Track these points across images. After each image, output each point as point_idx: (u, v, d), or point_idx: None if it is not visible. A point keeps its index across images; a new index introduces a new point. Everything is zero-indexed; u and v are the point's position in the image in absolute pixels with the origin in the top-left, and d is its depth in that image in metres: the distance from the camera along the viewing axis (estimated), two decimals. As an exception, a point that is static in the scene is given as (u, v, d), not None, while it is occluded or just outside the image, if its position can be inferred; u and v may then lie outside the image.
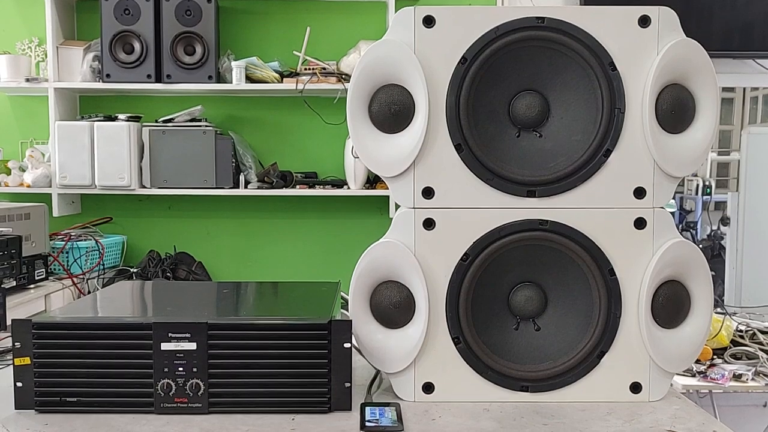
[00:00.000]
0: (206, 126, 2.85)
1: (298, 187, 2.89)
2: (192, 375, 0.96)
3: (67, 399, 0.97)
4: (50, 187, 2.83)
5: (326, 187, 2.92)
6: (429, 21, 1.01)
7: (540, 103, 1.04)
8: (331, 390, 0.97)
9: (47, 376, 0.97)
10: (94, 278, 2.71)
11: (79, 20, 3.05)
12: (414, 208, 1.03)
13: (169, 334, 0.97)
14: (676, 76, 1.02)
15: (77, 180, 2.77)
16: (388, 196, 2.93)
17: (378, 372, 1.13)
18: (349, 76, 1.00)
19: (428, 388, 1.04)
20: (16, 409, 0.97)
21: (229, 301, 1.24)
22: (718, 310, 2.41)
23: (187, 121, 2.85)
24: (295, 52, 2.90)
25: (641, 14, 1.01)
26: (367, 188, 2.88)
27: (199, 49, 2.77)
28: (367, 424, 0.93)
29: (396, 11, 1.06)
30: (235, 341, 0.97)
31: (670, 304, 1.04)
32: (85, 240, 2.77)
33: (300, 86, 2.80)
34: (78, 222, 2.99)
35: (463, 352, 1.04)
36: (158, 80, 2.78)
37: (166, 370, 0.96)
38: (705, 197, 4.64)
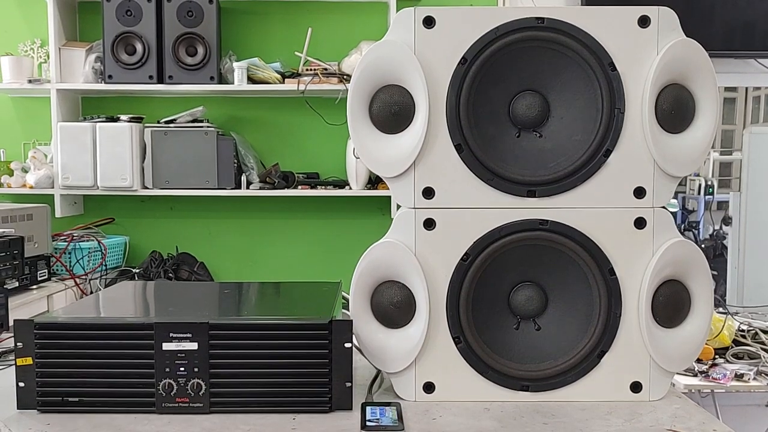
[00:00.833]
0: (208, 127, 2.85)
1: (299, 187, 2.89)
2: (193, 375, 0.97)
3: (69, 399, 0.97)
4: (53, 188, 2.84)
5: (328, 187, 2.92)
6: (429, 21, 1.01)
7: (540, 104, 1.04)
8: (332, 390, 0.98)
9: (49, 376, 0.97)
10: (96, 279, 2.72)
11: (81, 21, 3.06)
12: (414, 208, 1.03)
13: (171, 334, 0.97)
14: (675, 76, 1.02)
15: (79, 181, 2.77)
16: (389, 197, 2.93)
17: (379, 372, 1.13)
18: (351, 77, 1.01)
19: (429, 387, 1.05)
20: (18, 409, 0.98)
21: (231, 301, 1.24)
22: (720, 309, 2.40)
23: (188, 121, 2.86)
24: (296, 53, 2.90)
25: (641, 14, 1.01)
26: (369, 189, 2.89)
27: (200, 50, 2.78)
28: (368, 423, 0.93)
29: (397, 12, 1.06)
30: (237, 341, 0.97)
31: (670, 304, 1.04)
32: (87, 241, 2.78)
33: (301, 87, 2.80)
34: (80, 223, 3.00)
35: (463, 351, 1.04)
36: (160, 81, 2.79)
37: (167, 370, 0.97)
38: (707, 197, 4.64)
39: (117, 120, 2.82)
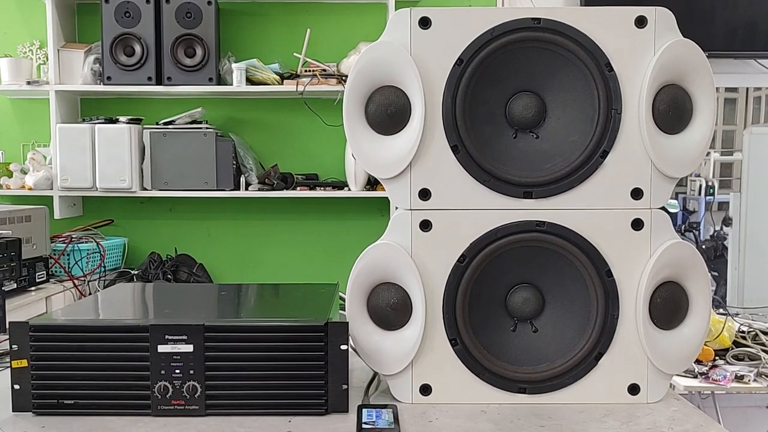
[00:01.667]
0: (207, 128, 2.85)
1: (298, 188, 2.89)
2: (189, 377, 0.96)
3: (65, 401, 0.97)
4: (51, 189, 2.84)
5: (327, 188, 2.92)
6: (425, 22, 1.01)
7: (537, 104, 1.03)
8: (328, 392, 0.97)
9: (44, 378, 0.97)
10: (95, 280, 2.72)
11: (80, 23, 3.06)
12: (411, 209, 1.03)
13: (166, 337, 0.96)
14: (673, 76, 1.02)
15: (78, 182, 2.77)
16: (388, 198, 2.93)
17: (376, 374, 1.13)
18: (349, 78, 1.01)
19: (425, 389, 1.04)
20: (13, 411, 0.97)
21: (227, 303, 1.24)
22: (721, 310, 2.40)
23: (187, 123, 2.86)
24: (295, 54, 2.90)
25: (638, 15, 1.01)
26: (368, 190, 2.88)
27: (199, 51, 2.78)
28: (364, 426, 0.93)
29: (395, 13, 1.06)
30: (232, 343, 0.97)
31: (667, 306, 1.03)
32: (86, 242, 2.77)
33: (300, 88, 2.80)
34: (79, 224, 3.00)
35: (460, 353, 1.03)
36: (159, 82, 2.79)
37: (162, 372, 0.96)
38: (708, 198, 4.63)
39: (116, 121, 2.82)
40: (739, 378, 2.03)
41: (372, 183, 2.91)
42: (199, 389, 0.96)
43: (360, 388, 1.08)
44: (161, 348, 0.96)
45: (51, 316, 1.03)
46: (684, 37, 1.02)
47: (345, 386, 0.97)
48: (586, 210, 1.03)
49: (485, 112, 1.03)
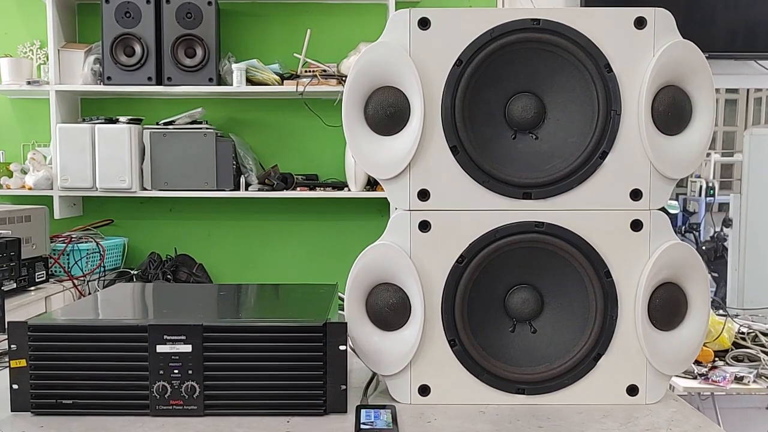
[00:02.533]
0: (207, 128, 2.85)
1: (298, 189, 2.89)
2: (187, 377, 0.96)
3: (63, 401, 0.97)
4: (51, 189, 2.84)
5: (327, 189, 2.92)
6: (424, 23, 1.01)
7: (536, 105, 1.03)
8: (327, 392, 0.97)
9: (43, 378, 0.97)
10: (94, 280, 2.72)
11: (81, 23, 3.06)
12: (410, 210, 1.03)
13: (165, 337, 0.96)
14: (672, 77, 1.02)
15: (78, 182, 2.77)
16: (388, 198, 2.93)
17: (374, 374, 1.13)
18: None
19: (424, 390, 1.04)
20: (12, 411, 0.97)
21: (226, 303, 1.24)
22: (721, 311, 2.40)
23: (187, 123, 2.86)
24: (295, 55, 2.90)
25: (637, 16, 1.01)
26: (368, 190, 2.89)
27: (199, 52, 2.78)
28: (362, 426, 0.93)
29: (394, 13, 1.06)
30: (231, 343, 0.97)
31: (666, 307, 1.03)
32: (85, 242, 2.78)
33: (300, 88, 2.80)
34: (79, 224, 3.00)
35: (459, 354, 1.03)
36: (159, 83, 2.79)
37: (161, 372, 0.96)
38: (708, 198, 4.63)
39: (116, 121, 2.82)
40: (738, 379, 2.03)
41: (372, 183, 2.91)
42: (198, 389, 0.96)
43: (359, 389, 1.08)
44: (160, 348, 0.96)
45: (49, 316, 1.03)
46: (685, 38, 1.02)
47: (343, 387, 0.97)
48: (585, 211, 1.03)
49: (484, 112, 1.03)
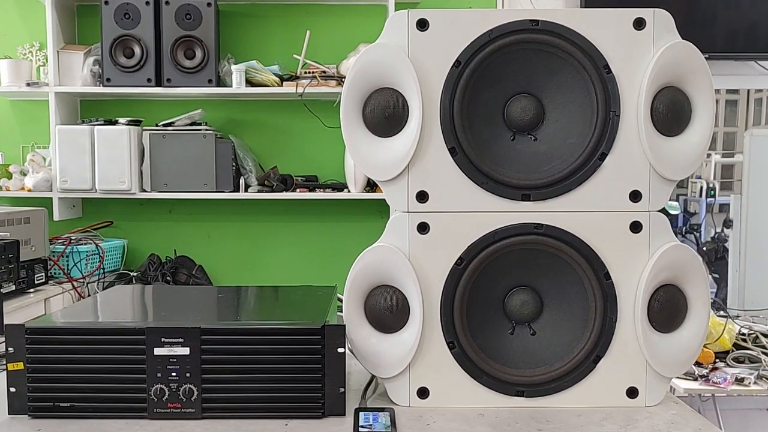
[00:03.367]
0: (206, 130, 2.85)
1: (298, 190, 2.89)
2: (185, 380, 0.96)
3: (60, 404, 0.96)
4: (51, 191, 2.84)
5: (326, 190, 2.92)
6: (422, 24, 1.01)
7: (535, 106, 1.03)
8: (325, 395, 0.97)
9: (40, 381, 0.96)
10: (94, 282, 2.72)
11: (80, 24, 3.06)
12: (408, 212, 1.03)
13: (163, 339, 0.96)
14: (671, 78, 1.01)
15: (78, 184, 2.77)
16: (388, 200, 2.92)
17: (373, 377, 1.12)
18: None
19: (423, 393, 1.04)
20: (9, 414, 0.97)
21: (224, 305, 1.23)
22: (721, 313, 2.39)
23: (187, 124, 2.86)
24: (294, 56, 2.90)
25: (636, 16, 1.00)
26: (367, 192, 2.88)
27: (199, 53, 2.78)
28: (361, 429, 0.92)
29: (394, 14, 1.06)
30: (229, 346, 0.97)
31: (666, 308, 1.03)
32: (85, 244, 2.77)
33: (300, 90, 2.80)
34: (78, 226, 3.00)
35: (458, 356, 1.03)
36: (158, 84, 2.79)
37: (159, 375, 0.96)
38: (709, 199, 4.62)
39: (115, 123, 2.82)
40: (739, 380, 2.03)
41: (371, 185, 2.91)
42: (196, 392, 0.96)
43: (357, 391, 1.08)
44: (158, 351, 0.96)
45: (47, 319, 1.03)
46: (685, 38, 1.01)
47: (342, 389, 0.97)
48: (584, 212, 1.02)
49: (483, 114, 1.03)
